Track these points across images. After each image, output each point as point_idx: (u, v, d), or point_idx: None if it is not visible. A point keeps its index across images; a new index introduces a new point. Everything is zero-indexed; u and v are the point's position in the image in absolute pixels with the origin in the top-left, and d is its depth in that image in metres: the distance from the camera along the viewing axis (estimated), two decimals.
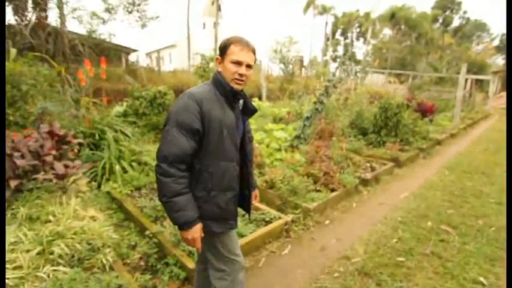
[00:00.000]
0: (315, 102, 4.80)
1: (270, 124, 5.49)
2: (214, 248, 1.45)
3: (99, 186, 3.68)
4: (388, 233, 2.88)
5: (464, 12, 42.90)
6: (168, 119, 1.31)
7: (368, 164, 4.88)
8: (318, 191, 3.66)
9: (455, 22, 42.54)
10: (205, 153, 1.33)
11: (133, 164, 4.14)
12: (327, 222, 3.14)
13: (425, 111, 8.68)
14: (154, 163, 4.45)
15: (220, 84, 1.36)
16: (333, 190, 3.66)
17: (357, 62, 37.45)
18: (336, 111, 7.98)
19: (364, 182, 4.18)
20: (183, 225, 1.30)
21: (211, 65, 8.74)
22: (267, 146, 4.86)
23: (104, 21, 11.63)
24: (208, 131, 1.30)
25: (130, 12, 12.25)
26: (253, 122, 6.39)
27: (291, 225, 2.89)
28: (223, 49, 1.35)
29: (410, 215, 3.30)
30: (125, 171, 3.95)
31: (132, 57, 17.54)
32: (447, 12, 41.90)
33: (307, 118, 4.74)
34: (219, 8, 28.84)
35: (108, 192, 3.54)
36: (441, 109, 12.83)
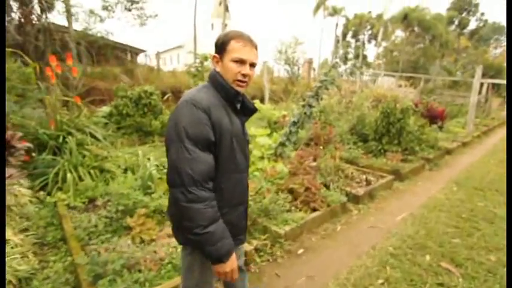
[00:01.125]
0: (303, 106, 4.26)
1: (252, 129, 4.96)
2: (190, 274, 1.28)
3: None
4: (374, 271, 2.31)
5: (482, 14, 41.31)
6: (177, 133, 1.09)
7: (363, 177, 4.29)
8: (298, 210, 3.12)
9: (472, 24, 40.99)
10: (217, 168, 1.16)
11: (94, 171, 3.69)
12: (301, 251, 2.59)
13: (434, 117, 7.97)
14: (118, 170, 4.04)
15: (222, 87, 1.20)
16: (314, 209, 3.11)
17: (368, 65, 36.53)
18: (336, 115, 7.40)
19: (355, 199, 3.60)
20: (224, 257, 1.12)
21: (206, 63, 8.29)
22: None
23: (102, 19, 11.40)
24: (219, 142, 1.15)
25: (129, 10, 11.98)
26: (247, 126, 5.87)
27: (254, 256, 2.36)
28: (222, 45, 1.18)
29: (405, 244, 2.71)
30: (81, 179, 3.51)
31: (140, 58, 17.41)
32: (463, 14, 40.41)
33: (294, 123, 4.20)
34: (226, 9, 28.61)
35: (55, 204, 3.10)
36: (453, 115, 12.03)
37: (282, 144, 4.17)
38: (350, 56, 46.02)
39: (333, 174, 4.04)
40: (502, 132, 11.38)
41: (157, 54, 13.58)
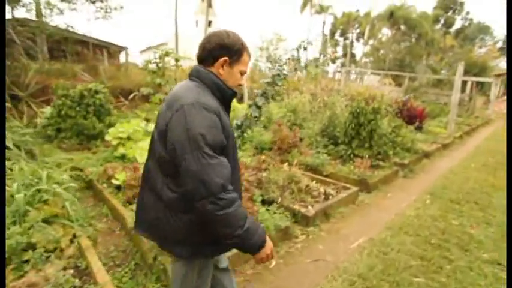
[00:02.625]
0: (250, 106, 3.59)
1: None
2: (186, 280, 1.25)
3: None
4: None
5: (467, 13, 41.61)
6: (192, 140, 1.00)
7: (322, 189, 3.63)
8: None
9: (458, 23, 41.24)
10: None
11: None
12: None
13: (413, 117, 7.43)
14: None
15: (218, 87, 1.16)
16: None
17: (355, 63, 36.19)
18: (308, 116, 6.76)
19: (305, 220, 2.94)
20: (263, 242, 1.11)
21: (167, 59, 7.53)
22: None
23: (61, 12, 10.48)
24: (227, 144, 1.12)
25: (93, 3, 11.10)
26: None
27: None
28: (237, 53, 1.16)
29: None
30: None
31: (122, 55, 16.49)
32: (449, 13, 40.60)
33: (238, 127, 3.51)
34: (209, 5, 27.79)
35: None
36: (436, 114, 11.58)
37: None
38: (338, 54, 45.82)
39: (285, 187, 3.37)
40: (486, 132, 10.99)
41: (126, 51, 12.72)
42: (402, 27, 31.40)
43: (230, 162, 1.12)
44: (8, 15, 8.97)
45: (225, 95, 1.17)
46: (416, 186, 4.39)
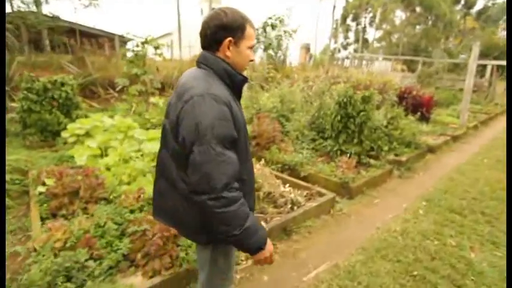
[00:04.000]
0: None
1: (138, 129, 3.66)
2: (215, 265, 1.23)
3: None
4: None
5: None
6: (201, 133, 0.97)
7: (291, 197, 3.01)
8: (140, 270, 1.90)
9: (480, 4, 38.42)
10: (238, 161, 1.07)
11: None
12: None
13: (418, 106, 6.59)
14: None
15: (229, 74, 1.09)
16: (162, 271, 1.87)
17: (367, 49, 34.61)
18: (297, 106, 6.07)
19: None
20: (263, 244, 1.09)
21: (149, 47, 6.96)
22: (128, 164, 3.08)
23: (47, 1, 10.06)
24: (238, 135, 1.07)
25: None
26: None
27: None
28: (239, 29, 1.06)
29: None
30: None
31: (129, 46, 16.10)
32: None
33: None
34: None
35: None
36: (449, 102, 10.57)
37: None
38: (350, 40, 44.00)
39: None
40: (505, 121, 9.92)
41: (116, 39, 12.20)
42: (417, 8, 29.47)
43: (242, 154, 1.11)
44: None
45: (235, 81, 1.11)
46: (412, 190, 3.69)
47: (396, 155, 4.59)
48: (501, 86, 16.19)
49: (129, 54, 7.20)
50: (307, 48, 31.19)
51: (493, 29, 35.64)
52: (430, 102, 6.69)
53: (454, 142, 6.19)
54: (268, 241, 1.12)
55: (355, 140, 4.22)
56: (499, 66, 14.40)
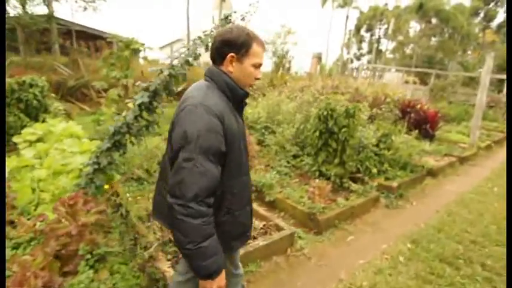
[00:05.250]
0: (132, 106, 2.48)
1: (70, 139, 3.17)
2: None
3: None
4: None
5: None
6: (186, 141, 1.00)
7: None
8: None
9: (500, 17, 37.09)
10: (228, 174, 1.10)
11: None
12: None
13: (422, 122, 5.91)
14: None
15: (231, 88, 1.12)
16: None
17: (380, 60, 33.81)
18: (282, 118, 5.51)
19: None
20: (214, 274, 1.04)
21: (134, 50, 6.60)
22: (54, 180, 2.60)
23: (46, 2, 9.99)
24: (230, 148, 1.08)
25: None
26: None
27: None
28: (243, 46, 1.09)
29: None
30: None
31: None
32: (490, 5, 36.64)
33: (112, 136, 2.38)
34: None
35: None
36: (461, 117, 9.76)
37: (93, 172, 2.38)
38: (364, 51, 43.32)
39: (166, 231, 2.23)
40: None
41: (115, 42, 12.01)
42: (433, 20, 28.58)
43: (235, 168, 1.12)
44: None
45: (236, 96, 1.13)
46: (399, 225, 3.05)
47: (387, 178, 3.95)
48: None
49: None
50: (318, 58, 30.73)
51: None
52: (435, 118, 5.99)
53: (461, 164, 5.46)
54: (222, 276, 1.06)
55: (336, 160, 3.61)
56: None
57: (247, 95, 1.15)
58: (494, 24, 36.84)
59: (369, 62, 35.61)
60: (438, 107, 11.50)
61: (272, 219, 2.67)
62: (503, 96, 13.72)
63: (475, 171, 5.20)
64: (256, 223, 2.64)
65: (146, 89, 2.37)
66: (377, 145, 4.12)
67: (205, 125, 0.99)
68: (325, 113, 3.57)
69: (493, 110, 13.24)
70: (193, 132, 0.98)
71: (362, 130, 4.18)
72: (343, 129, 3.49)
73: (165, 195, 1.09)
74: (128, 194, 2.73)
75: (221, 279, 1.06)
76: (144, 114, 2.47)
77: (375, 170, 3.88)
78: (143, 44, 6.61)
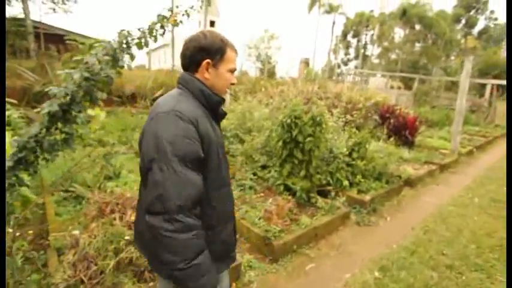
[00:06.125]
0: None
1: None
2: None
3: None
4: None
5: (491, 12, 38.44)
6: (159, 150, 0.91)
7: None
8: None
9: (481, 24, 38.15)
10: (207, 186, 1.01)
11: None
12: None
13: (401, 128, 5.65)
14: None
15: (204, 94, 1.07)
16: None
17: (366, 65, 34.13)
18: (252, 125, 5.14)
19: None
20: None
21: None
22: None
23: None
24: (207, 156, 1.01)
25: None
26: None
27: None
28: (218, 52, 1.06)
29: None
30: None
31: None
32: (471, 12, 37.64)
33: (16, 153, 1.96)
34: (209, 4, 26.89)
35: None
36: (443, 122, 9.64)
37: None
38: (351, 56, 43.80)
39: (77, 266, 1.81)
40: (505, 145, 8.91)
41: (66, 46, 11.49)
42: (417, 26, 29.01)
43: (214, 179, 1.05)
44: None
45: (211, 102, 1.09)
46: (368, 246, 2.69)
47: (360, 191, 3.62)
48: (502, 107, 15.27)
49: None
50: (306, 63, 30.77)
51: (494, 49, 35.10)
52: (415, 124, 5.74)
53: (441, 172, 5.20)
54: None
55: (302, 173, 3.25)
56: (499, 86, 13.51)
57: (222, 101, 1.11)
58: (475, 30, 37.91)
59: (356, 67, 35.89)
60: (421, 111, 11.43)
61: None
62: (484, 101, 13.79)
63: (455, 180, 4.93)
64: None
65: (54, 96, 1.95)
66: (350, 154, 3.80)
67: (179, 131, 0.93)
68: (288, 120, 3.22)
69: (475, 114, 13.28)
70: (166, 139, 0.91)
71: (334, 139, 3.85)
72: (308, 139, 3.14)
73: (139, 216, 1.00)
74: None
75: None
76: (60, 125, 2.05)
77: (346, 182, 3.54)
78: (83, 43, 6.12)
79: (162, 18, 2.34)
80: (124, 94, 10.42)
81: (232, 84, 1.12)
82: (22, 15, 9.87)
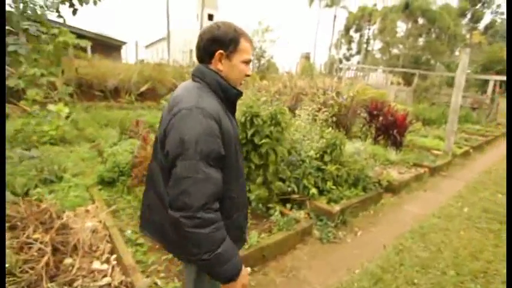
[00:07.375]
0: None
1: None
2: (199, 284, 1.17)
3: None
4: None
5: (498, 6, 37.35)
6: (184, 148, 0.93)
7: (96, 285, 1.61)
8: None
9: (487, 18, 37.10)
10: (226, 178, 1.02)
11: None
12: None
13: (390, 127, 5.17)
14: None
15: (223, 87, 1.06)
16: None
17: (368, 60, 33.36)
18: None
19: None
20: (235, 276, 0.99)
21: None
22: None
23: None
24: (227, 152, 1.02)
25: None
26: None
27: None
28: (232, 42, 1.05)
29: None
30: None
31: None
32: (477, 6, 36.61)
33: None
34: None
35: None
36: (441, 120, 9.11)
37: None
38: (353, 51, 43.01)
39: None
40: (504, 146, 8.38)
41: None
42: (420, 20, 28.18)
43: (232, 171, 1.07)
44: None
45: (229, 95, 1.08)
46: (325, 271, 2.25)
47: (331, 200, 3.17)
48: (504, 104, 14.65)
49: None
50: (307, 58, 30.09)
51: (501, 44, 34.15)
52: (404, 123, 5.25)
53: (432, 176, 4.73)
54: (244, 272, 1.02)
55: (259, 180, 2.81)
56: (502, 82, 12.89)
57: (240, 94, 1.10)
58: (481, 25, 36.88)
59: (358, 62, 35.14)
60: (419, 108, 10.89)
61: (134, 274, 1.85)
62: (486, 98, 13.18)
63: (446, 185, 4.46)
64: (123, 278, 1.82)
65: None
66: (321, 158, 3.34)
67: (203, 130, 0.93)
68: (243, 119, 2.76)
69: (476, 112, 12.69)
70: (191, 138, 0.92)
71: (303, 139, 3.40)
72: (264, 140, 2.69)
73: (156, 207, 1.07)
74: None
75: (243, 277, 1.01)
76: None
77: (314, 190, 3.08)
78: (78, 36, 5.62)
79: None
80: (106, 88, 10.01)
81: (248, 76, 1.10)
82: None
